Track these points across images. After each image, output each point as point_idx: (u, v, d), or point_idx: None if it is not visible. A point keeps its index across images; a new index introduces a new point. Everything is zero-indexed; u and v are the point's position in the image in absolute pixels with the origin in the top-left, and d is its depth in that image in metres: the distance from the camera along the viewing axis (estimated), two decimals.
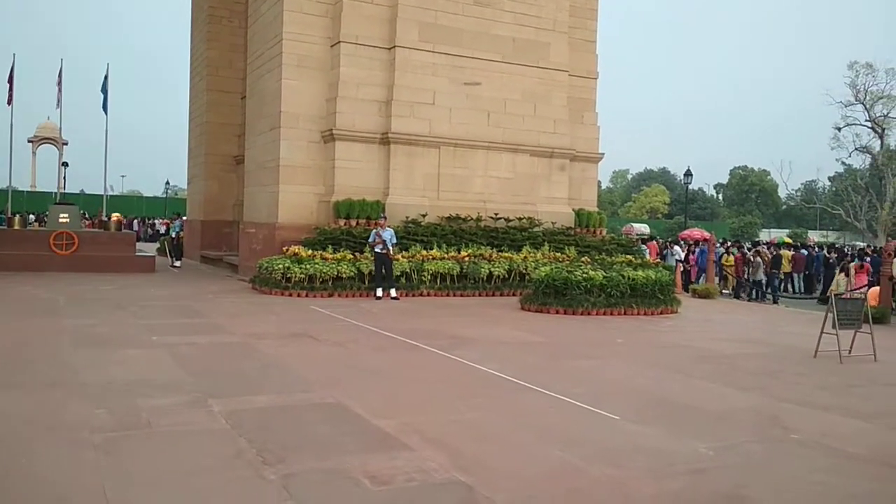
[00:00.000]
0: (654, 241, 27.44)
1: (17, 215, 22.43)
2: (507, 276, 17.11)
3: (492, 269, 16.89)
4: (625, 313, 14.15)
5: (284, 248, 16.39)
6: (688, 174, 37.20)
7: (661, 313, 14.63)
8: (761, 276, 20.81)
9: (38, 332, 9.73)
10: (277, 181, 17.99)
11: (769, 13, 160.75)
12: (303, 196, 18.07)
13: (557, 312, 13.81)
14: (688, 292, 19.63)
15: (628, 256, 17.66)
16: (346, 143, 17.90)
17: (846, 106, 45.67)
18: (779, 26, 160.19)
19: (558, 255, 17.89)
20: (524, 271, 17.12)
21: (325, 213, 17.84)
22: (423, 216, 18.00)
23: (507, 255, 17.50)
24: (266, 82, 19.08)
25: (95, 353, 8.34)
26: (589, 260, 16.43)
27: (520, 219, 19.05)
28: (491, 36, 19.30)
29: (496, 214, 18.85)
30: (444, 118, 18.77)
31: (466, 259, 16.94)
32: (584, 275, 14.25)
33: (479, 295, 16.68)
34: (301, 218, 17.90)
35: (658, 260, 20.80)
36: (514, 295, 16.38)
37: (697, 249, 23.98)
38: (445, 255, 16.84)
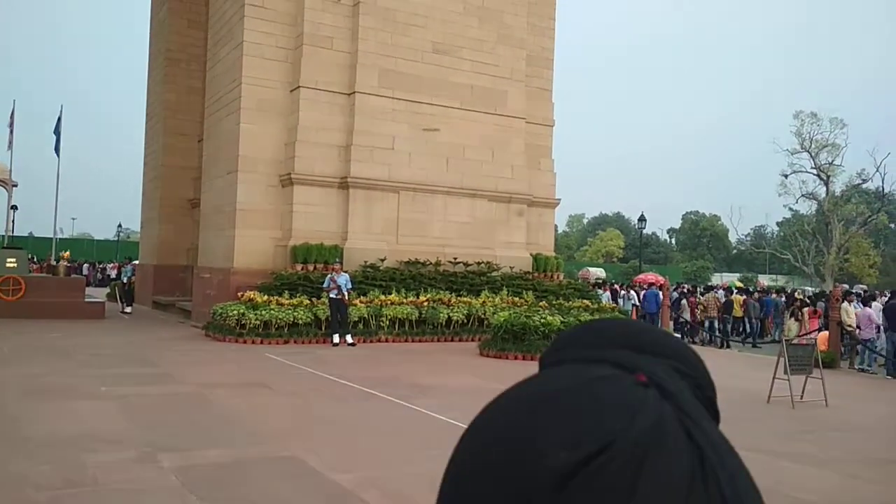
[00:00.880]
0: (611, 285, 27.74)
1: None
2: (465, 321, 17.09)
3: (451, 314, 16.86)
4: None
5: (240, 294, 16.14)
6: (642, 219, 37.98)
7: None
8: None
9: None
10: (234, 225, 17.80)
11: (721, 63, 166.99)
12: (260, 240, 17.89)
13: (516, 358, 13.80)
14: None
15: (585, 301, 17.83)
16: (304, 188, 17.85)
17: (793, 154, 47.33)
18: (729, 76, 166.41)
19: (517, 299, 17.97)
20: (483, 316, 17.14)
21: (283, 258, 17.67)
22: (382, 260, 17.95)
23: (465, 299, 17.51)
24: (224, 126, 19.01)
25: (40, 405, 8.03)
26: (547, 305, 16.53)
27: (478, 263, 19.13)
28: (450, 83, 19.60)
29: (455, 259, 18.90)
30: (404, 163, 18.89)
31: (425, 304, 16.89)
32: (542, 320, 14.32)
33: (438, 340, 16.60)
34: (257, 263, 17.68)
35: (614, 304, 21.02)
36: (473, 340, 16.34)
37: (643, 293, 24.17)
38: (404, 300, 16.78)
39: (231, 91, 18.56)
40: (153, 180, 26.73)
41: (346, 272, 15.86)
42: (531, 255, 20.52)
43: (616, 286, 27.64)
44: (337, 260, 16.62)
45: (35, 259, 33.84)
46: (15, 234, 35.10)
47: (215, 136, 19.75)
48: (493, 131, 20.17)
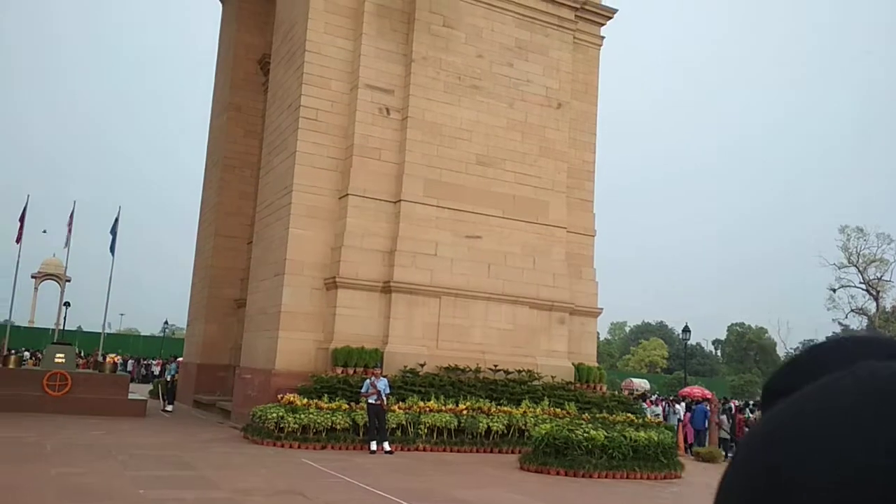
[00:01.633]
0: (661, 399, 27.00)
1: (13, 354, 22.28)
2: (505, 431, 16.76)
3: (490, 424, 16.56)
4: (627, 476, 13.72)
5: (280, 396, 16.15)
6: (686, 330, 37.28)
7: (665, 478, 14.19)
8: None
9: (22, 480, 9.40)
10: (278, 327, 18.03)
11: (763, 173, 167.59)
12: (302, 342, 18.05)
13: (558, 473, 13.39)
14: (690, 454, 19.12)
15: (630, 415, 17.39)
16: (348, 291, 18.12)
17: (840, 268, 46.63)
18: (773, 187, 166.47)
19: (558, 410, 17.61)
20: (524, 427, 16.79)
21: (324, 361, 17.74)
22: (422, 365, 17.89)
23: (506, 408, 17.23)
24: (274, 230, 19.60)
25: None
26: (589, 418, 16.16)
27: (519, 371, 18.92)
28: (493, 193, 20.06)
29: (495, 366, 18.74)
30: (446, 269, 19.13)
31: (465, 412, 16.65)
32: (586, 434, 13.96)
33: (477, 451, 16.24)
34: (299, 365, 17.77)
35: (661, 419, 20.42)
36: (513, 452, 15.95)
37: (695, 407, 23.51)
38: (443, 408, 16.57)
39: (282, 197, 19.24)
40: (202, 280, 27.41)
41: (385, 377, 15.82)
42: (573, 364, 20.25)
43: (663, 401, 26.88)
44: (377, 364, 16.63)
45: (82, 354, 34.52)
46: (65, 327, 36.00)
47: (264, 240, 20.34)
48: (535, 240, 20.40)
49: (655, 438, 14.49)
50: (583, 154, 22.43)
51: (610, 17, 23.53)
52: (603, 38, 23.62)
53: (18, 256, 23.72)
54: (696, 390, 35.07)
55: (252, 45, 27.29)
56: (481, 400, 17.27)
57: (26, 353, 31.11)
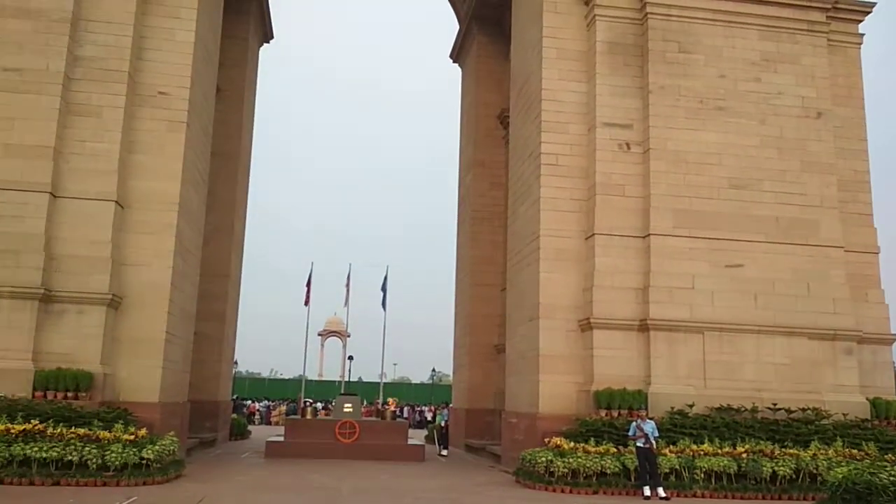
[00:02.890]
0: None
1: (309, 405, 25.08)
2: (794, 476, 15.27)
3: (776, 468, 15.22)
4: None
5: (546, 440, 16.31)
6: None
7: None
8: None
9: None
10: (537, 371, 18.31)
11: None
12: (562, 385, 18.10)
13: None
14: None
15: None
16: (604, 332, 17.90)
17: None
18: None
19: (855, 451, 15.70)
20: (815, 471, 15.19)
21: (585, 403, 17.61)
22: (690, 406, 17.02)
23: (791, 451, 15.74)
24: (525, 276, 20.09)
25: None
26: (894, 459, 14.18)
27: (803, 409, 17.23)
28: (751, 217, 18.78)
29: (774, 404, 17.24)
30: (706, 302, 18.16)
31: (743, 455, 15.50)
32: (893, 478, 12.23)
33: (763, 498, 15.01)
34: (561, 408, 17.81)
35: None
36: (805, 499, 14.50)
37: None
38: (719, 451, 15.57)
39: (530, 243, 19.71)
40: (462, 328, 28.81)
41: (651, 419, 15.30)
42: (867, 399, 17.99)
43: None
44: (641, 405, 16.15)
45: (364, 402, 37.78)
46: (348, 379, 39.74)
47: (517, 286, 20.91)
48: (807, 263, 18.66)
49: None
50: (853, 164, 20.20)
51: (868, 12, 21.19)
52: (862, 35, 21.30)
53: (308, 318, 26.83)
54: None
55: (490, 103, 28.66)
56: (761, 442, 15.97)
57: (318, 405, 34.79)
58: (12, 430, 13.59)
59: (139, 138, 17.57)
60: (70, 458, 13.57)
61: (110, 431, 14.23)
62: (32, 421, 13.88)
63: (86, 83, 17.08)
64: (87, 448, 13.72)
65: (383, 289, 26.98)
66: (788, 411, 17.15)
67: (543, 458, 15.31)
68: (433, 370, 65.96)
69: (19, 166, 16.15)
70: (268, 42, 30.92)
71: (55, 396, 15.15)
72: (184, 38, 18.23)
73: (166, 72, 17.98)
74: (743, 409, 17.10)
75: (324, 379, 58.39)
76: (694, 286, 18.24)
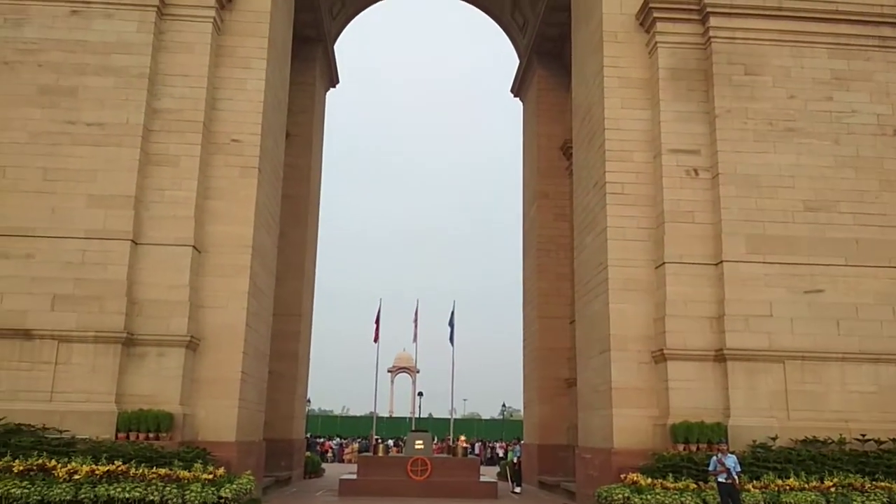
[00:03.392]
0: None
1: (380, 442, 25.17)
2: None
3: (866, 502, 14.49)
4: None
5: (622, 476, 15.89)
6: None
7: None
8: None
9: None
10: (610, 404, 17.92)
11: None
12: (637, 419, 17.65)
13: None
14: None
15: None
16: (677, 363, 17.43)
17: None
18: None
19: None
20: None
21: (661, 437, 17.11)
22: (773, 439, 16.35)
23: (883, 484, 14.97)
24: (594, 307, 19.80)
25: None
26: None
27: (893, 440, 16.33)
28: (828, 240, 18.11)
29: (863, 435, 16.41)
30: (785, 330, 17.51)
31: (832, 489, 14.78)
32: None
33: None
34: (636, 442, 17.34)
35: None
36: None
37: None
38: (805, 485, 14.89)
39: (598, 274, 19.45)
40: (531, 362, 28.53)
41: (733, 453, 14.74)
42: None
43: None
44: (721, 439, 15.61)
45: (435, 439, 37.66)
46: (418, 415, 39.74)
47: (586, 318, 20.62)
48: (890, 287, 17.84)
49: None
50: None
51: None
52: None
53: (378, 355, 27.07)
54: None
55: (553, 135, 28.72)
56: (850, 475, 15.21)
57: (390, 442, 34.86)
58: (97, 471, 14.14)
59: (214, 184, 18.28)
60: (152, 497, 14.00)
61: (190, 471, 14.62)
62: (116, 462, 14.43)
63: (164, 134, 17.92)
64: (167, 488, 14.13)
65: (451, 324, 27.04)
66: (878, 442, 16.30)
67: (620, 495, 14.93)
68: (503, 405, 65.31)
69: (102, 216, 17.00)
70: (334, 87, 31.87)
71: (137, 437, 15.70)
72: (254, 87, 18.97)
73: (239, 120, 18.71)
74: (829, 440, 16.33)
75: (394, 416, 58.55)
76: (772, 313, 17.63)
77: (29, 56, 17.81)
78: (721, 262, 17.97)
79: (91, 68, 17.87)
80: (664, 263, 18.15)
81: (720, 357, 17.33)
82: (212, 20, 18.57)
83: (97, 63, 17.89)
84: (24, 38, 17.88)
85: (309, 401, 34.17)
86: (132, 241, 17.01)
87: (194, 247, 17.47)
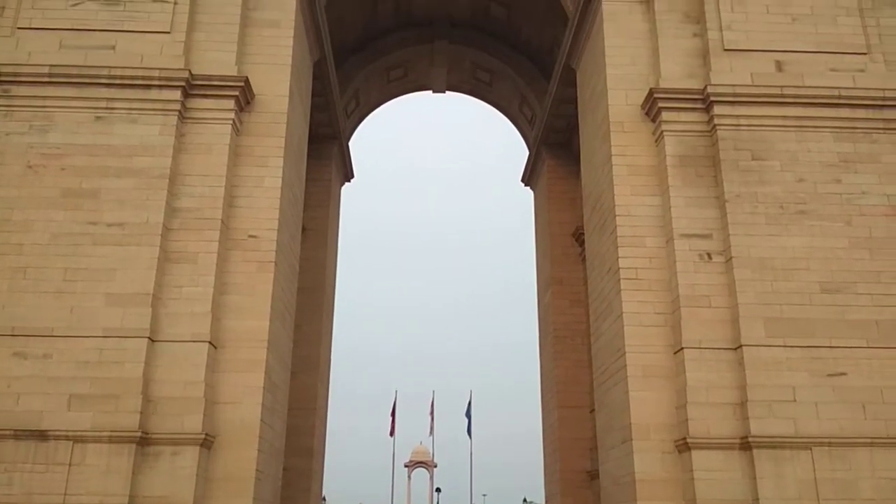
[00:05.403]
0: None
1: None
2: None
3: None
4: None
5: None
6: None
7: None
8: None
9: None
10: (634, 497, 17.34)
11: None
12: None
13: None
14: None
15: None
16: (702, 452, 16.95)
17: None
18: None
19: None
20: None
21: None
22: None
23: None
24: (613, 395, 19.48)
25: None
26: None
27: None
28: (848, 322, 17.89)
29: None
30: (810, 415, 17.08)
31: None
32: None
33: None
34: None
35: None
36: None
37: None
38: None
39: (616, 361, 19.23)
40: (552, 453, 27.84)
41: None
42: None
43: None
44: None
45: None
46: None
47: (606, 406, 20.25)
48: None
49: None
50: None
51: None
52: None
53: (394, 449, 26.53)
54: None
55: (564, 222, 29.01)
56: None
57: None
58: None
59: (231, 280, 18.47)
60: None
61: None
62: None
63: (182, 232, 18.26)
64: None
65: (468, 415, 26.62)
66: None
67: None
68: (524, 500, 63.18)
69: (120, 314, 17.14)
70: (349, 181, 32.64)
71: None
72: (272, 184, 19.43)
73: (256, 216, 19.07)
74: None
75: None
76: (795, 398, 17.25)
77: (53, 160, 18.38)
78: (740, 346, 17.74)
79: (113, 170, 18.40)
80: (683, 349, 17.94)
81: (745, 445, 16.86)
82: (231, 122, 19.24)
83: (119, 165, 18.43)
84: (49, 144, 18.49)
85: (324, 499, 33.29)
86: (149, 338, 17.07)
87: (210, 342, 17.49)
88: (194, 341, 17.40)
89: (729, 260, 18.49)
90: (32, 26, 19.43)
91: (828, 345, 17.68)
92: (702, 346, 17.94)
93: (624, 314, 18.72)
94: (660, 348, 18.46)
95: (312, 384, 26.03)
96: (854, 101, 19.71)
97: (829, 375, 17.45)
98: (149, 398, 16.78)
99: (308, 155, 24.28)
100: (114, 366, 16.77)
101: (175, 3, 19.73)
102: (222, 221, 18.50)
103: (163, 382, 17.03)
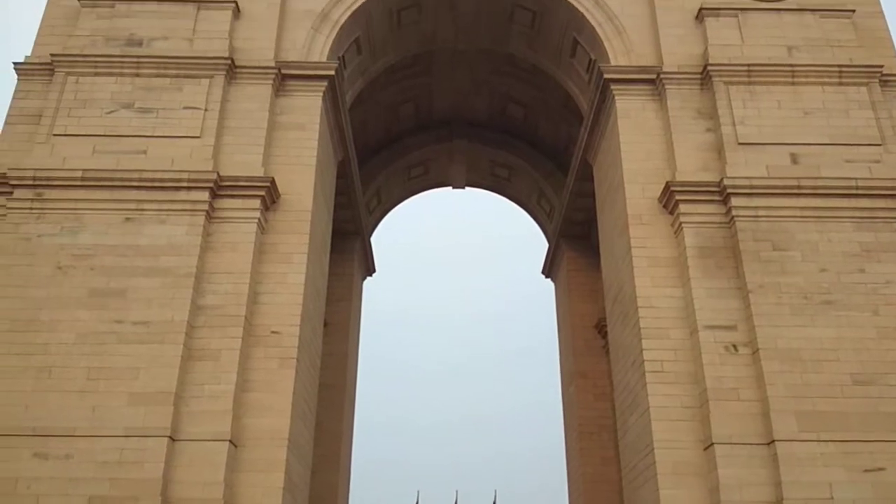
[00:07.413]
0: None
1: None
2: None
3: None
4: None
5: None
6: None
7: None
8: None
9: None
10: None
11: None
12: None
13: None
14: None
15: None
16: None
17: None
18: None
19: None
20: None
21: None
22: None
23: None
24: (643, 493, 18.82)
25: None
26: None
27: None
28: (882, 414, 17.34)
29: None
30: None
31: None
32: None
33: None
34: None
35: None
36: None
37: None
38: None
39: (645, 457, 18.68)
40: None
41: None
42: None
43: None
44: None
45: None
46: None
47: None
48: None
49: None
50: None
51: None
52: None
53: None
54: None
55: (586, 314, 28.85)
56: None
57: None
58: None
59: (252, 377, 18.41)
60: None
61: None
62: None
63: (206, 329, 18.38)
64: None
65: None
66: None
67: None
68: None
69: (142, 413, 17.05)
70: (370, 275, 32.92)
71: None
72: (295, 280, 19.65)
73: (279, 312, 19.19)
74: None
75: None
76: (832, 496, 16.55)
77: (82, 261, 18.76)
78: (773, 441, 17.20)
79: (141, 270, 18.70)
80: (713, 444, 17.42)
81: None
82: (257, 220, 19.67)
83: (146, 265, 18.75)
84: (78, 245, 18.91)
85: None
86: (170, 437, 16.92)
87: (230, 441, 17.30)
88: (215, 440, 17.22)
89: (756, 352, 18.18)
90: (68, 132, 20.29)
91: (863, 439, 17.09)
92: (732, 442, 17.41)
93: (651, 408, 18.32)
94: (689, 444, 17.94)
95: (333, 483, 25.46)
96: (872, 192, 19.78)
97: (867, 471, 16.80)
98: (167, 500, 16.47)
99: (331, 250, 24.64)
100: (134, 466, 16.55)
101: (206, 111, 20.60)
102: (245, 318, 18.62)
103: (182, 483, 16.75)
